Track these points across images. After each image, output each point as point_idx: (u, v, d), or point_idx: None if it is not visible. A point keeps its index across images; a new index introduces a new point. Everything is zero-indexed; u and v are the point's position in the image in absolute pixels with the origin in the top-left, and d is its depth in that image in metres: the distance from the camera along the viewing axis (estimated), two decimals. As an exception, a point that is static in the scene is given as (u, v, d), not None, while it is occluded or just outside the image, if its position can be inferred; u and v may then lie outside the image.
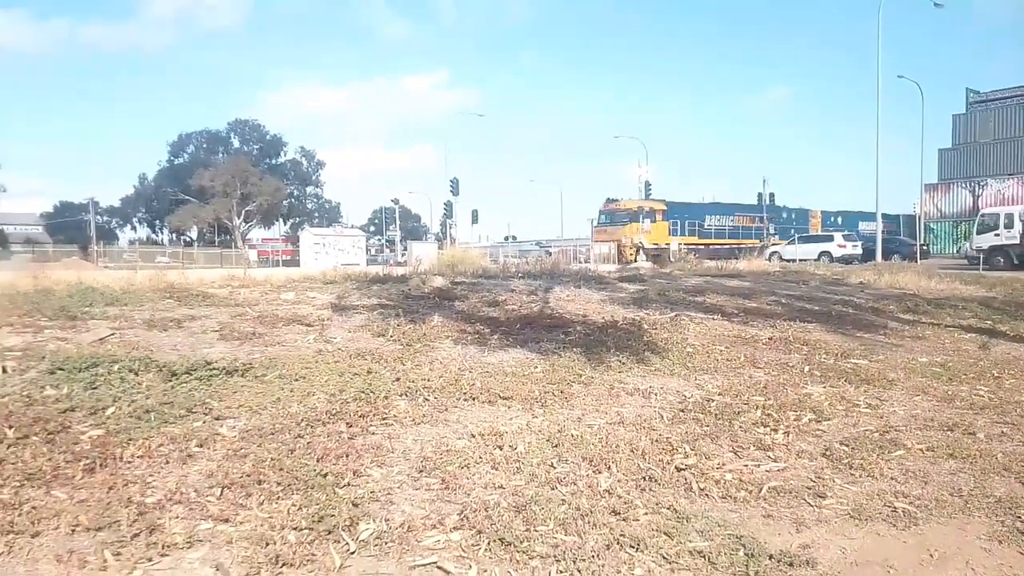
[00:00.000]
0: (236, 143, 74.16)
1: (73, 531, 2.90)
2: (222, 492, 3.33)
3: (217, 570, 2.67)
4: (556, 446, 4.20)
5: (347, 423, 4.47)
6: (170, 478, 3.51)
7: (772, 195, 49.71)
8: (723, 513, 3.42)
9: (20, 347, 5.91)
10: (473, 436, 4.38)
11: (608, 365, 6.42)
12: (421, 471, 3.79)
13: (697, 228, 43.63)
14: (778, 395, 5.59)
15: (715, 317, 9.45)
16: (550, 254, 34.49)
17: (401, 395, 5.21)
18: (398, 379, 5.65)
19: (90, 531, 2.90)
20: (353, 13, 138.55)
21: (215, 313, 8.40)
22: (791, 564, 2.91)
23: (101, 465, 3.56)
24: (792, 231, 44.49)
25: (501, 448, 4.15)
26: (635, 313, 9.29)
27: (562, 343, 7.31)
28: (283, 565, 2.70)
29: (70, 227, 69.22)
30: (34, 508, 3.06)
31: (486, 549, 2.94)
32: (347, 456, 3.85)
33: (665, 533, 3.13)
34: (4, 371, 5.17)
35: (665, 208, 42.58)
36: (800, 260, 31.01)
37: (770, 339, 8.14)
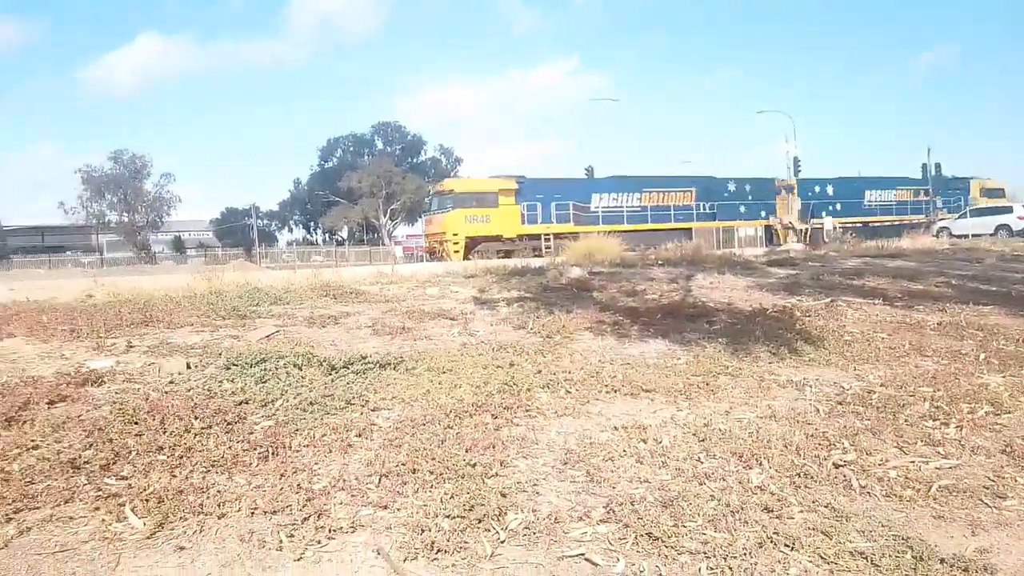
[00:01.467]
0: (380, 145, 77.71)
1: (252, 514, 3.18)
2: (380, 480, 3.53)
3: (378, 554, 2.84)
4: (703, 440, 4.10)
5: (492, 415, 4.59)
6: (333, 466, 3.76)
7: (938, 165, 43.45)
8: (887, 513, 3.21)
9: (200, 345, 6.54)
10: (616, 429, 4.36)
11: (757, 356, 6.18)
12: (565, 463, 3.83)
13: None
14: (949, 386, 5.14)
15: (876, 302, 8.84)
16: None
17: (543, 387, 5.28)
18: (539, 371, 5.73)
19: (267, 514, 3.16)
20: (486, 11, 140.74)
21: (367, 309, 8.88)
22: (966, 570, 2.68)
23: (273, 453, 3.87)
24: (961, 204, 40.21)
25: (645, 442, 4.10)
26: (785, 300, 8.88)
27: (706, 333, 7.12)
28: (438, 551, 2.82)
29: (235, 231, 75.46)
30: (219, 492, 3.38)
31: (633, 543, 2.92)
32: (494, 447, 3.96)
33: (823, 532, 2.98)
34: (188, 367, 5.74)
35: (516, 187, 30.91)
36: (972, 236, 28.20)
37: (939, 324, 7.51)
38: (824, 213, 35.92)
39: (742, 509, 3.19)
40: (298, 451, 3.95)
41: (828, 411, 4.68)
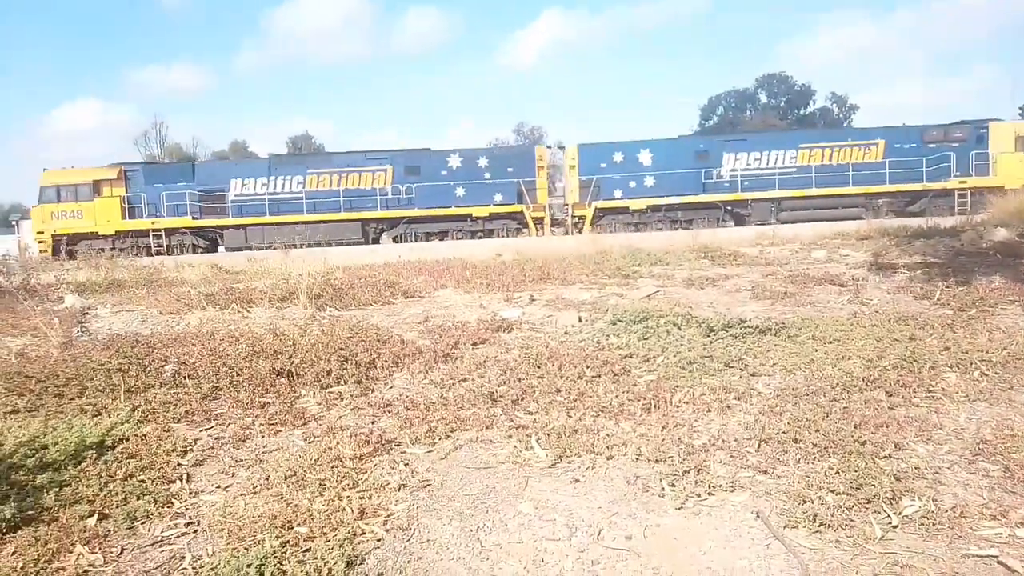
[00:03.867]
0: (763, 99, 74.28)
1: (637, 459, 3.45)
2: (759, 445, 3.53)
3: (757, 516, 2.87)
4: None
5: (886, 392, 4.22)
6: (712, 425, 3.86)
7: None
8: None
9: (589, 301, 7.15)
10: (1049, 423, 3.68)
11: None
12: (977, 454, 3.37)
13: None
14: None
15: None
16: None
17: (951, 367, 4.66)
18: (947, 348, 5.07)
19: (650, 462, 3.40)
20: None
21: (747, 272, 8.73)
22: None
23: (655, 406, 4.12)
24: (974, 163, 25.46)
25: (1092, 442, 3.39)
26: None
27: None
28: (820, 524, 2.74)
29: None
30: (608, 435, 3.73)
31: (1069, 558, 2.48)
32: (887, 426, 3.66)
33: None
34: (580, 320, 6.34)
35: (122, 176, 24.74)
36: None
37: None
38: (618, 191, 24.98)
39: None
40: (678, 407, 4.14)
41: None
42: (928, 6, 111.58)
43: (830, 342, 5.35)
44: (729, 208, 25.41)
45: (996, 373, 4.51)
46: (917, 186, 25.39)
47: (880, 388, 4.28)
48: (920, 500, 2.91)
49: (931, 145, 25.81)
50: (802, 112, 71.89)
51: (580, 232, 23.32)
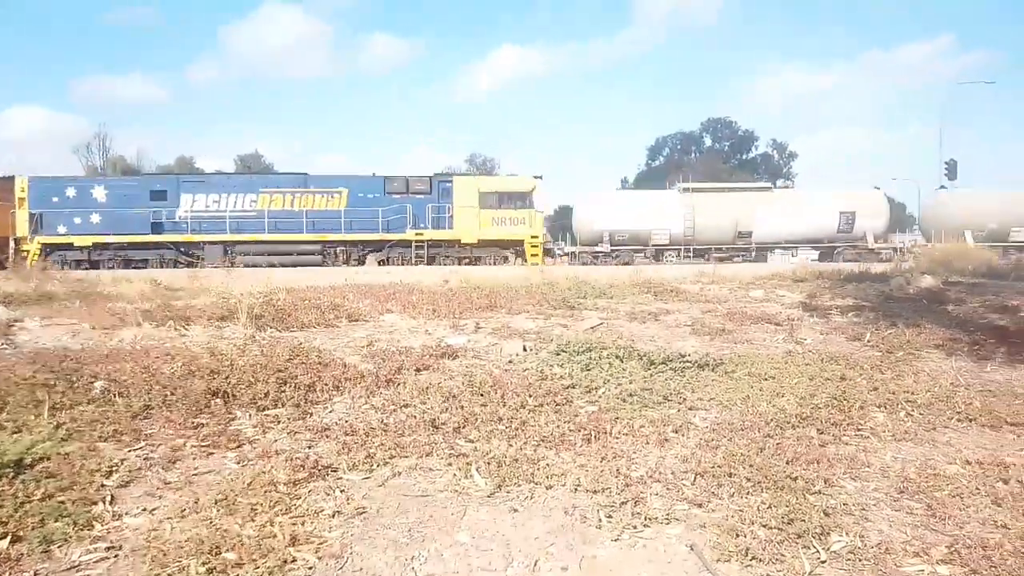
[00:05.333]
0: (708, 142, 76.58)
1: (575, 490, 3.46)
2: (695, 478, 3.58)
3: (691, 549, 2.90)
4: (1088, 491, 3.43)
5: (818, 429, 4.35)
6: (650, 457, 3.91)
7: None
8: None
9: (535, 330, 7.19)
10: (968, 463, 3.84)
11: None
12: (902, 492, 3.50)
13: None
14: None
15: None
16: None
17: (879, 406, 4.84)
18: (875, 388, 5.26)
19: (588, 492, 3.42)
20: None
21: (687, 308, 8.92)
22: None
23: (595, 437, 4.15)
24: (429, 215, 27.40)
25: (1007, 482, 3.56)
26: None
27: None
28: (752, 558, 2.79)
29: (567, 228, 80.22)
30: (548, 465, 3.74)
31: (983, 594, 2.58)
32: (818, 463, 3.76)
33: None
34: (524, 349, 6.36)
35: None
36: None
37: None
38: (62, 226, 25.05)
39: None
40: (617, 438, 4.18)
41: None
42: (862, 60, 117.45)
43: (765, 379, 5.49)
44: (182, 250, 25.22)
45: (921, 414, 4.70)
46: (375, 236, 26.04)
47: (812, 425, 4.41)
48: (848, 536, 2.99)
49: (395, 196, 26.43)
50: (744, 157, 74.30)
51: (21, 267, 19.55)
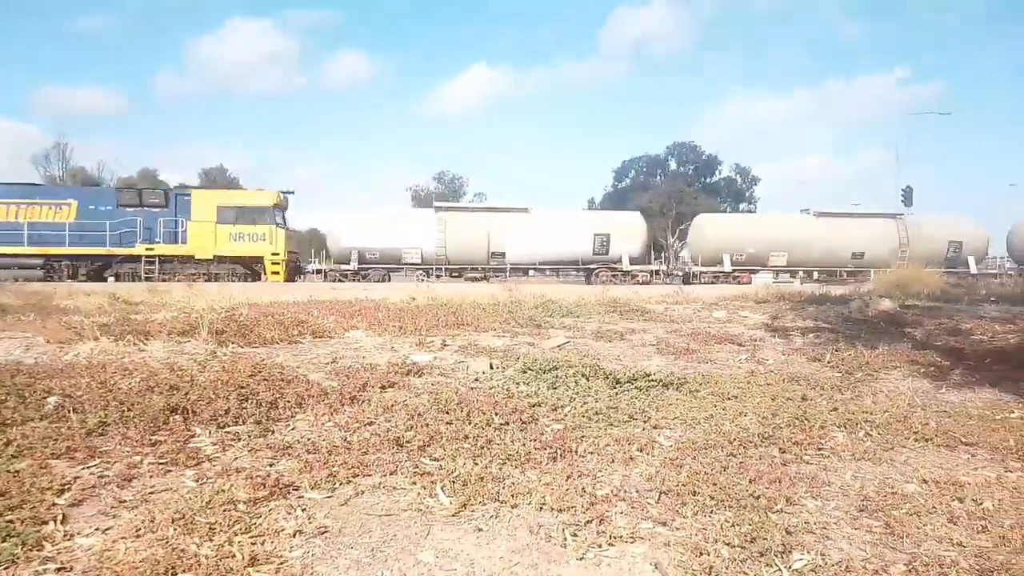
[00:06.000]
0: (673, 165, 77.70)
1: (541, 508, 3.44)
2: (660, 497, 3.60)
3: (656, 568, 2.91)
4: (1039, 509, 3.52)
5: (780, 448, 4.41)
6: (615, 476, 3.91)
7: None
8: None
9: (502, 348, 7.17)
10: (925, 482, 3.92)
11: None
12: (861, 510, 3.55)
13: None
14: None
15: None
16: None
17: (839, 426, 4.92)
18: (835, 409, 5.35)
19: (553, 511, 3.41)
20: (806, 21, 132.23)
21: (652, 328, 8.99)
22: None
23: (561, 456, 4.14)
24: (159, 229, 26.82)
25: (962, 501, 3.64)
26: None
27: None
28: (715, 577, 2.81)
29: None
30: (513, 484, 3.71)
31: (939, 611, 2.63)
32: (780, 482, 3.81)
33: None
34: (491, 367, 6.34)
35: None
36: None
37: None
38: None
39: (1088, 599, 2.69)
40: (583, 456, 4.18)
41: None
42: (825, 87, 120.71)
43: (728, 398, 5.55)
44: None
45: (879, 434, 4.79)
46: (103, 250, 25.36)
47: (774, 444, 4.47)
48: (809, 554, 3.02)
49: (127, 209, 25.74)
50: (708, 180, 75.57)
51: None
